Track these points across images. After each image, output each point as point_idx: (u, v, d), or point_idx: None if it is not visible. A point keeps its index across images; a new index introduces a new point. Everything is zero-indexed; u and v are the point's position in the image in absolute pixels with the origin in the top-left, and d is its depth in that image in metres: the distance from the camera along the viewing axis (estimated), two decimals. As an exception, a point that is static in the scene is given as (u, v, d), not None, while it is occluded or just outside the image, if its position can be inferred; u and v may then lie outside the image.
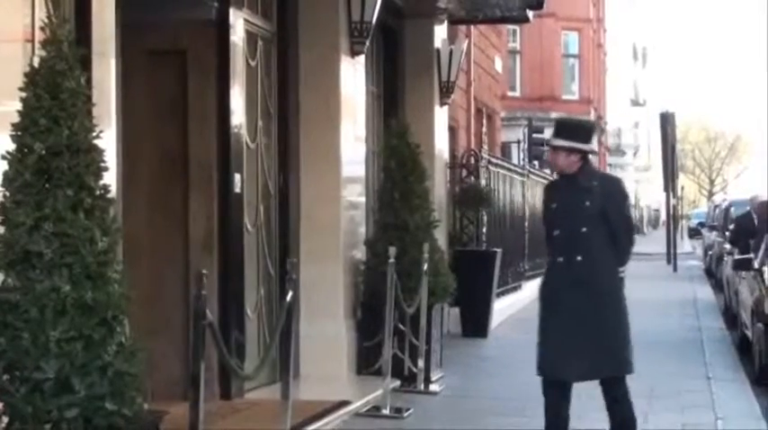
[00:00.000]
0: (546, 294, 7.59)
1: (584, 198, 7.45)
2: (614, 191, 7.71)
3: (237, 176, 9.54)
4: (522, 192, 19.93)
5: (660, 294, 21.45)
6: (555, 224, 7.56)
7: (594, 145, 7.78)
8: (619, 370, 7.44)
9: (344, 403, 9.37)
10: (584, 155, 7.53)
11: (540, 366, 7.52)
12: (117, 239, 5.12)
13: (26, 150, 4.96)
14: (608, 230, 7.46)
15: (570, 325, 7.37)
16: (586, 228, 7.41)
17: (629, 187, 67.98)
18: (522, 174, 20.14)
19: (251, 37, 10.13)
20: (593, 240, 7.41)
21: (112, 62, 6.89)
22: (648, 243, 41.14)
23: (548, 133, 14.44)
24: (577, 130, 7.71)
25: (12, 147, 5.02)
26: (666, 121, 32.25)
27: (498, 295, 15.85)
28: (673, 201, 33.63)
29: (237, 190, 9.55)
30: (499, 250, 15.51)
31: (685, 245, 43.28)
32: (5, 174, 4.99)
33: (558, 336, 7.41)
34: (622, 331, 7.48)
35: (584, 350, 7.35)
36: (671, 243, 31.44)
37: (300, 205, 10.83)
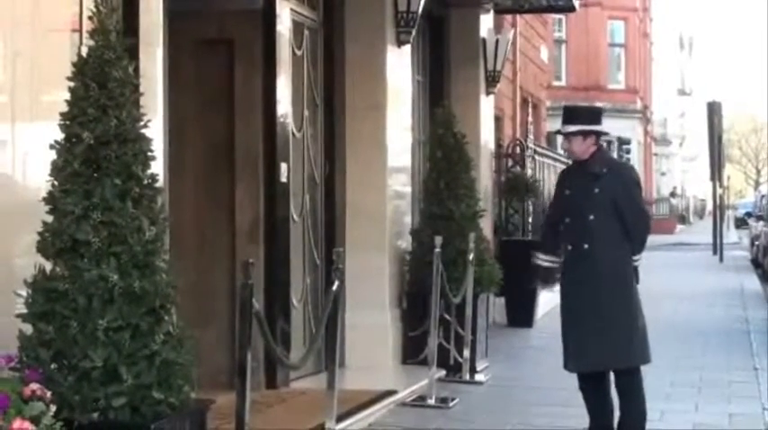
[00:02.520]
0: (561, 284, 7.58)
1: (594, 185, 7.38)
2: (625, 178, 7.63)
3: (284, 166, 9.54)
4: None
5: (706, 285, 21.31)
6: (567, 211, 7.51)
7: (604, 127, 7.71)
8: (627, 361, 7.36)
9: (390, 393, 9.36)
10: (597, 139, 7.49)
11: (564, 360, 7.50)
12: (164, 229, 5.13)
13: (74, 140, 4.98)
14: (619, 218, 7.38)
15: (579, 315, 7.35)
16: (594, 215, 7.34)
17: (676, 177, 67.69)
18: (567, 164, 20.05)
19: (297, 26, 10.12)
20: (600, 228, 7.33)
21: (159, 51, 6.89)
22: (694, 233, 40.90)
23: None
24: (587, 114, 7.70)
25: (60, 136, 5.04)
26: (713, 111, 31.97)
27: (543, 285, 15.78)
28: (719, 191, 33.38)
29: (283, 179, 9.55)
30: (545, 240, 15.42)
31: (732, 235, 42.91)
32: (54, 163, 5.00)
33: (572, 328, 7.39)
34: (630, 321, 7.38)
35: (592, 341, 7.30)
36: (717, 233, 31.17)
37: (346, 195, 10.81)
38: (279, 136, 9.50)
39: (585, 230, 7.36)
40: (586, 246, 7.34)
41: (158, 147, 5.97)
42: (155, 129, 5.71)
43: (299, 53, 10.17)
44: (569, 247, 7.43)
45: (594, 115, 7.68)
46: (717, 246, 30.62)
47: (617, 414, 7.54)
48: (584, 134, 7.45)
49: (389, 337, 10.70)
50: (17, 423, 4.21)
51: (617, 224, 7.37)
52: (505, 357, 12.20)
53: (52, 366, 4.79)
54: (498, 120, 18.05)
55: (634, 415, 7.39)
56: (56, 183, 4.98)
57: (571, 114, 7.64)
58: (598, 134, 7.51)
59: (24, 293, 4.96)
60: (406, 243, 11.31)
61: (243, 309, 5.69)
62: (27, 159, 5.79)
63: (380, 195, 10.86)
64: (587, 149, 7.44)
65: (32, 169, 5.69)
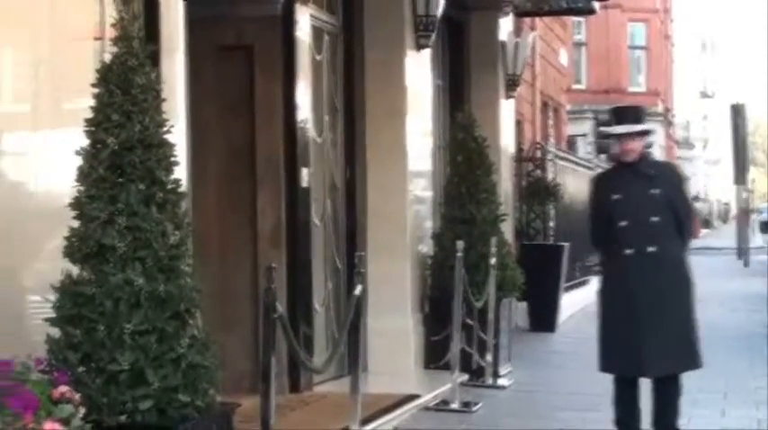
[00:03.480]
0: (612, 287, 7.46)
1: (650, 186, 7.35)
2: (674, 176, 7.64)
3: (305, 171, 9.59)
4: (589, 185, 19.81)
5: (731, 289, 21.24)
6: (621, 215, 7.40)
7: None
8: (691, 364, 7.35)
9: (413, 397, 9.39)
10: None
11: (605, 363, 7.42)
12: (188, 233, 5.18)
13: (99, 145, 5.03)
14: (674, 217, 7.37)
15: (644, 318, 7.24)
16: (656, 217, 7.31)
17: (699, 181, 67.51)
18: (588, 168, 20.04)
19: (317, 32, 10.17)
20: (663, 229, 7.31)
21: (181, 58, 6.94)
22: (719, 237, 40.73)
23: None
24: (638, 113, 7.67)
25: (85, 142, 5.09)
26: (737, 113, 31.88)
27: (566, 289, 15.79)
28: (744, 195, 33.27)
29: (305, 184, 9.59)
30: (567, 244, 15.45)
31: (757, 239, 42.75)
32: (80, 169, 5.06)
33: (630, 331, 7.27)
34: (693, 323, 7.40)
35: (657, 344, 7.23)
36: (742, 237, 31.07)
37: (367, 199, 10.85)
38: (299, 141, 9.55)
39: (649, 232, 7.29)
40: (652, 248, 7.25)
41: (181, 152, 6.02)
42: (177, 134, 5.76)
43: (318, 58, 10.21)
44: (627, 251, 7.34)
45: (642, 115, 7.68)
46: (742, 251, 30.52)
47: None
48: (642, 134, 7.45)
49: (411, 342, 10.72)
50: (48, 424, 4.26)
51: (674, 223, 7.36)
52: (528, 362, 12.20)
53: (80, 369, 4.83)
54: (518, 123, 18.08)
55: (671, 417, 7.37)
56: (82, 188, 5.03)
57: (623, 114, 7.58)
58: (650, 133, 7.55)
59: (52, 297, 5.01)
60: (427, 247, 11.34)
61: (266, 313, 5.73)
62: (51, 166, 5.84)
63: (401, 200, 10.89)
64: (640, 148, 7.43)
65: (56, 176, 5.75)
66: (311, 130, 9.83)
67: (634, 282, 7.29)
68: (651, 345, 7.23)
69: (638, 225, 7.32)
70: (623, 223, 7.36)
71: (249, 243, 9.40)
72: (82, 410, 4.60)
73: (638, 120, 7.51)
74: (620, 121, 7.50)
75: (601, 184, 7.79)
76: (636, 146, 7.41)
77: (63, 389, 4.64)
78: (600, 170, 10.21)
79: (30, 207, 5.74)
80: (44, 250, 5.78)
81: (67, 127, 5.70)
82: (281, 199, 9.46)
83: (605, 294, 7.50)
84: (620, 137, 7.47)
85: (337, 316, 10.13)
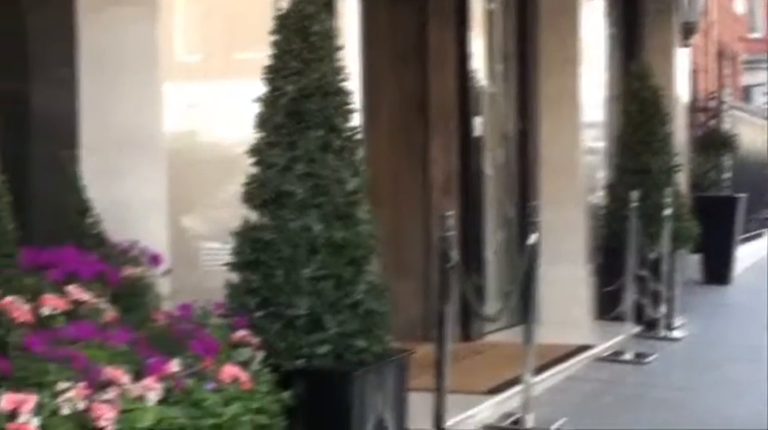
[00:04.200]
0: None
1: None
2: None
3: (477, 120, 9.54)
4: (766, 137, 19.33)
5: None
6: None
7: None
8: None
9: (586, 347, 9.31)
10: None
11: None
12: (365, 180, 5.19)
13: (278, 93, 5.07)
14: None
15: None
16: None
17: None
18: (765, 119, 19.55)
19: (490, -21, 10.08)
20: None
21: (355, 6, 6.95)
22: None
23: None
24: None
25: (263, 90, 5.14)
26: None
27: (741, 242, 15.48)
28: None
29: (477, 133, 9.55)
30: (743, 196, 15.12)
31: None
32: (259, 116, 5.10)
33: None
34: None
35: None
36: None
37: (539, 149, 10.75)
38: (472, 90, 9.50)
39: None
40: None
41: (355, 100, 6.04)
42: (352, 82, 5.78)
43: (491, 6, 10.12)
44: None
45: None
46: None
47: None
48: None
49: (584, 292, 10.61)
50: (227, 367, 4.33)
51: None
52: (702, 314, 12.00)
53: (258, 313, 4.89)
54: (693, 73, 17.71)
55: None
56: (261, 135, 5.08)
57: None
58: None
59: (231, 243, 5.09)
60: (599, 198, 11.21)
61: (441, 261, 5.74)
62: (227, 115, 5.91)
63: (574, 149, 10.76)
64: None
65: (232, 125, 5.82)
66: (483, 79, 9.77)
67: None
68: None
69: None
70: None
71: (421, 191, 9.42)
72: (260, 354, 4.67)
73: None
74: None
75: None
76: None
77: (242, 333, 4.72)
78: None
79: (207, 156, 5.82)
80: (222, 197, 5.87)
81: (242, 76, 5.76)
82: (453, 148, 9.44)
83: None
84: None
85: (508, 265, 10.09)
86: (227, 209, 5.46)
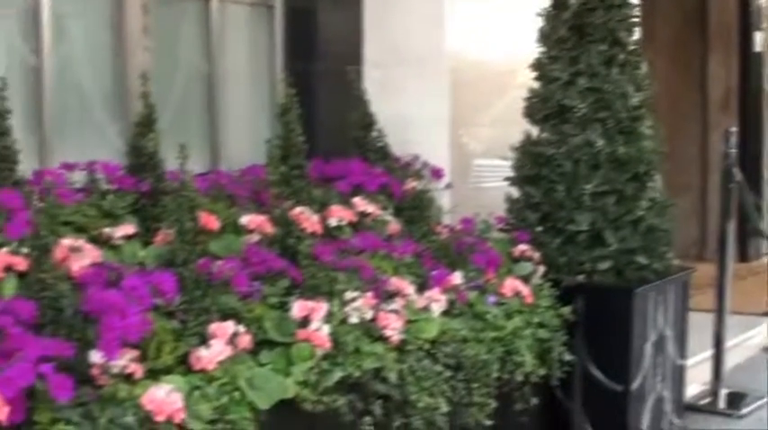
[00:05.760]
0: None
1: None
2: None
3: (758, 35, 9.24)
4: None
5: None
6: None
7: None
8: None
9: None
10: None
11: None
12: (649, 95, 5.10)
13: (561, 6, 5.02)
14: None
15: None
16: None
17: None
18: None
19: None
20: None
21: None
22: None
23: None
24: None
25: (547, 3, 5.09)
26: None
27: None
28: None
29: (758, 49, 9.25)
30: None
31: None
32: (541, 30, 5.07)
33: None
34: None
35: None
36: None
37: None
38: (752, 4, 9.19)
39: None
40: None
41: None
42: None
43: None
44: None
45: None
46: None
47: None
48: None
49: None
50: (509, 281, 4.36)
51: None
52: None
53: (539, 228, 4.91)
54: None
55: None
56: (543, 49, 5.05)
57: None
58: None
59: (510, 159, 5.10)
60: None
61: (725, 178, 5.60)
62: (507, 29, 5.89)
63: None
64: None
65: (511, 38, 5.79)
66: (766, -8, 9.45)
67: None
68: None
69: None
70: None
71: (698, 108, 9.21)
72: (541, 269, 4.69)
73: None
74: None
75: None
76: None
77: (523, 247, 4.75)
78: None
79: (487, 72, 5.82)
80: (500, 113, 5.87)
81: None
82: (732, 64, 9.19)
83: None
84: None
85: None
86: (506, 125, 5.47)
